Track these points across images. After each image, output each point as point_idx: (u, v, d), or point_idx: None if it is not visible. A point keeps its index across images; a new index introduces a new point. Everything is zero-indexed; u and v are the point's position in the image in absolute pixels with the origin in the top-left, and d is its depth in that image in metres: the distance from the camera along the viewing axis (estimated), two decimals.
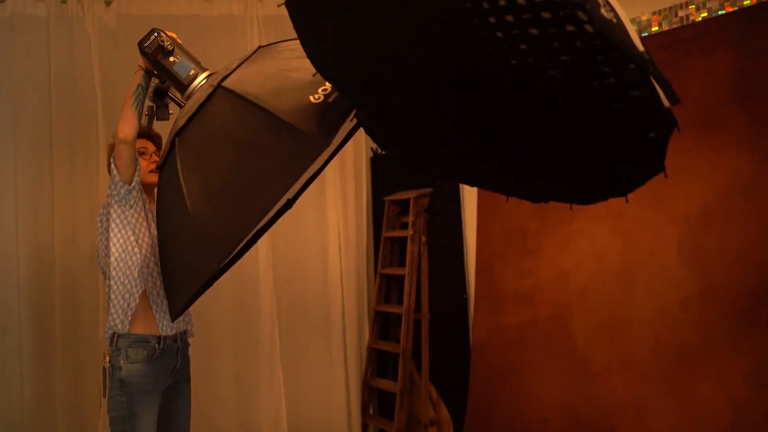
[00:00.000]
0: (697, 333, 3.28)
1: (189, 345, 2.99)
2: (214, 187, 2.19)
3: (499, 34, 1.69)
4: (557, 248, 3.93)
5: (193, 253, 2.27)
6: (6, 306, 4.47)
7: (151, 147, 3.00)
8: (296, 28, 1.81)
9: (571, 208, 2.16)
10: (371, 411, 5.27)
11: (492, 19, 1.68)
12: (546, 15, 1.59)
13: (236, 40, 4.89)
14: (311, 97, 2.11)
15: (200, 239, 2.20)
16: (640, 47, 1.56)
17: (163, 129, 2.84)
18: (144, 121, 3.47)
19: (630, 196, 3.53)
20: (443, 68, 1.90)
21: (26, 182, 4.55)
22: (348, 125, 2.39)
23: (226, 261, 2.75)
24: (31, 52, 4.55)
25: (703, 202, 3.31)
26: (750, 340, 3.10)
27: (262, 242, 4.91)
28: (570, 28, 1.59)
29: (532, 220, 4.07)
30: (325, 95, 2.10)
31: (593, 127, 1.83)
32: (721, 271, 3.23)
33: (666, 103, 1.72)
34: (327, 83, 2.12)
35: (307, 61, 2.02)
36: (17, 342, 4.46)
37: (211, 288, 2.85)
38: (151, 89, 3.25)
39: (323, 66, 1.94)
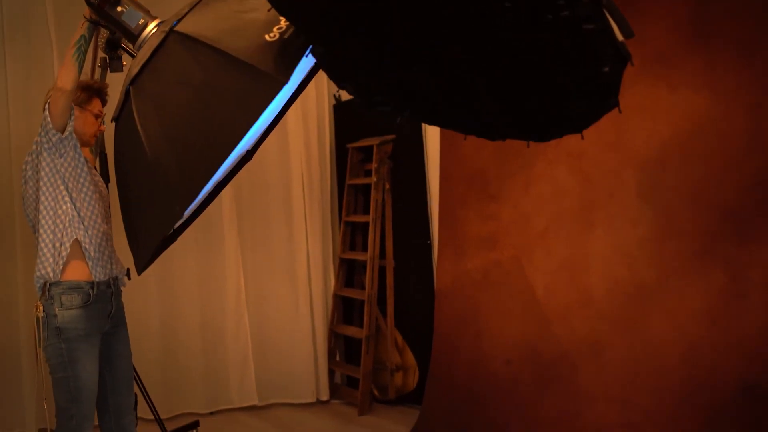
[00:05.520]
0: (653, 272, 3.35)
1: (121, 291, 2.99)
2: (174, 132, 2.16)
3: None
4: (518, 192, 3.96)
5: (157, 201, 2.24)
6: None
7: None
8: None
9: (528, 146, 2.17)
10: (338, 357, 5.32)
11: None
12: None
13: None
14: (266, 36, 2.08)
15: (162, 185, 2.17)
16: None
17: (118, 81, 2.80)
18: (97, 73, 3.41)
19: (588, 137, 3.57)
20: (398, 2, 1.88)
21: None
22: (306, 67, 2.38)
23: (190, 209, 2.74)
24: None
25: (661, 143, 3.35)
26: (705, 279, 3.17)
27: (226, 192, 4.90)
28: None
29: (493, 164, 4.09)
30: (280, 33, 2.07)
31: (548, 62, 1.83)
32: (678, 212, 3.29)
33: (620, 36, 1.73)
34: (282, 22, 2.09)
35: (261, 0, 1.99)
36: None
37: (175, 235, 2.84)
38: (102, 41, 3.17)
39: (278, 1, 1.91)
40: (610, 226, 3.53)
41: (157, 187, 2.16)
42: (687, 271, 3.23)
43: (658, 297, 3.31)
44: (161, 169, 2.12)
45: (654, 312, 3.32)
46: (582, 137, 2.04)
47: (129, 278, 3.18)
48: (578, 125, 2.02)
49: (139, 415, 4.23)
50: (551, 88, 1.92)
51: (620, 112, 1.87)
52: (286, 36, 2.07)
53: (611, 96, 1.85)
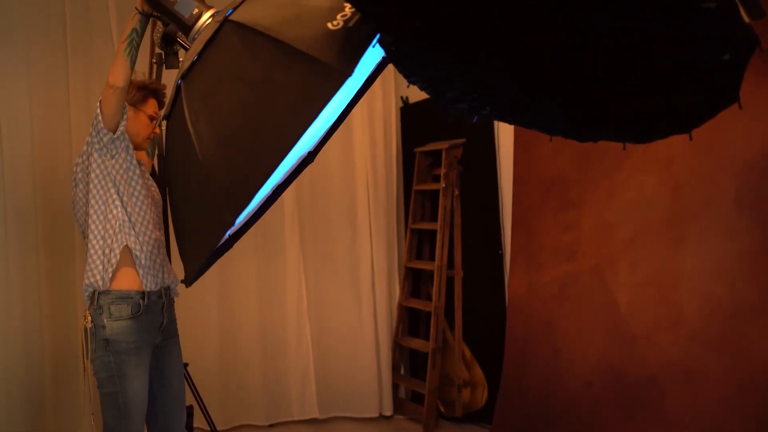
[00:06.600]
0: (754, 289, 3.02)
1: (173, 302, 2.81)
2: (225, 130, 1.98)
3: None
4: (601, 200, 3.66)
5: (206, 207, 2.06)
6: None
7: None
8: None
9: (624, 148, 1.90)
10: (402, 371, 5.10)
11: None
12: None
13: None
14: (329, 24, 1.87)
15: (213, 190, 1.99)
16: None
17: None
18: (153, 69, 3.25)
19: (678, 141, 3.25)
20: None
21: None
22: (373, 60, 2.16)
23: (245, 216, 2.55)
24: None
25: (764, 146, 3.02)
26: None
27: (287, 196, 4.73)
28: None
29: (573, 169, 3.80)
30: (344, 21, 1.86)
31: (656, 48, 1.55)
32: None
33: (746, 18, 1.44)
34: (347, 8, 1.88)
35: None
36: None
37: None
38: (158, 35, 3.01)
39: None
40: (704, 239, 3.20)
41: (207, 191, 1.97)
42: None
43: (760, 317, 2.98)
44: (211, 172, 1.93)
45: (756, 334, 2.98)
46: (690, 138, 1.75)
47: (187, 286, 3.02)
48: (687, 123, 1.74)
49: (195, 425, 4.12)
50: (657, 79, 1.65)
51: (740, 107, 1.58)
52: (351, 24, 1.86)
53: (731, 89, 1.57)
